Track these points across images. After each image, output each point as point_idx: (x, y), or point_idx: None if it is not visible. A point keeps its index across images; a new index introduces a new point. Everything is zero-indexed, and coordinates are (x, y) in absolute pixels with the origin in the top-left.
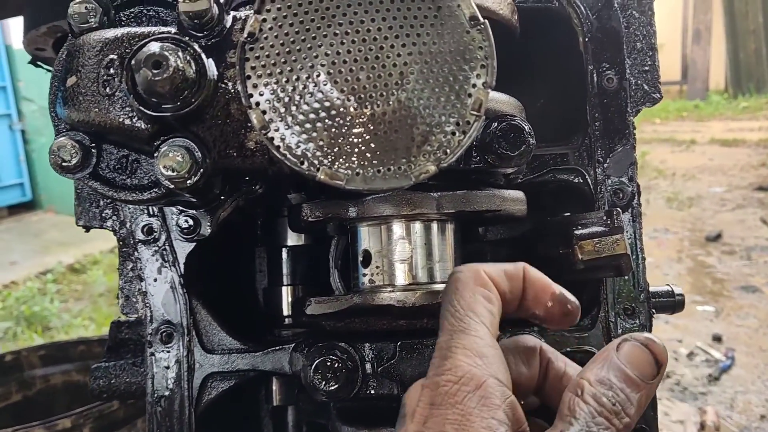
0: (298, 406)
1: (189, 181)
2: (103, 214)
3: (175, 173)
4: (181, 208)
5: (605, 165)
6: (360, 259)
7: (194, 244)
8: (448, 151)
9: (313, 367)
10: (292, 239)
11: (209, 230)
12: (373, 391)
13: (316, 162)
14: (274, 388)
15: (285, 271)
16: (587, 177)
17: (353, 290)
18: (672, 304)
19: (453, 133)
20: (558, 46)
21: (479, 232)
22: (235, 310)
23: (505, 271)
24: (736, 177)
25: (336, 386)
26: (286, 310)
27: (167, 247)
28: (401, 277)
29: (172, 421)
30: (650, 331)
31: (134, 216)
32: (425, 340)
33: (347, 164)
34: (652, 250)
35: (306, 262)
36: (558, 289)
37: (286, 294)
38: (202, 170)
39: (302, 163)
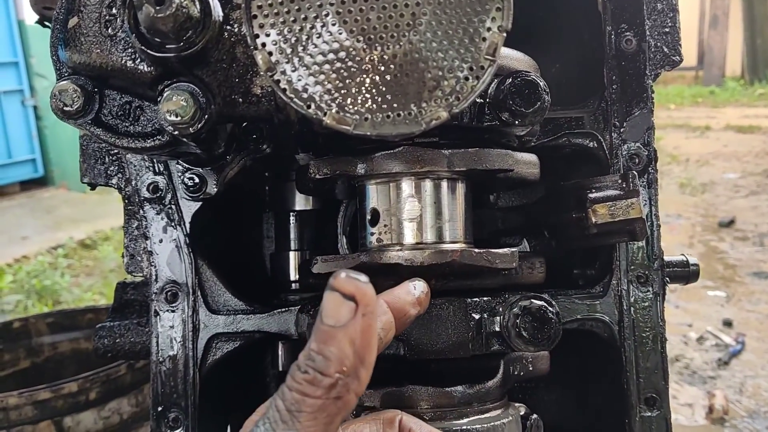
0: None
1: (193, 128)
2: (108, 171)
3: (178, 118)
4: (186, 165)
5: (622, 129)
6: (368, 217)
7: (200, 203)
8: (460, 96)
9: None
10: (300, 204)
11: (215, 189)
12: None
13: (323, 105)
14: (279, 352)
15: (292, 236)
16: (602, 141)
17: (361, 249)
18: (686, 274)
19: (466, 78)
20: (575, 6)
21: (490, 200)
22: (242, 275)
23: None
24: (751, 163)
25: None
26: (293, 275)
27: (173, 206)
28: (410, 236)
29: (177, 381)
30: (663, 304)
31: (140, 174)
32: (432, 300)
33: (355, 108)
34: (663, 235)
35: (313, 227)
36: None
37: (294, 259)
38: (206, 116)
39: (309, 106)
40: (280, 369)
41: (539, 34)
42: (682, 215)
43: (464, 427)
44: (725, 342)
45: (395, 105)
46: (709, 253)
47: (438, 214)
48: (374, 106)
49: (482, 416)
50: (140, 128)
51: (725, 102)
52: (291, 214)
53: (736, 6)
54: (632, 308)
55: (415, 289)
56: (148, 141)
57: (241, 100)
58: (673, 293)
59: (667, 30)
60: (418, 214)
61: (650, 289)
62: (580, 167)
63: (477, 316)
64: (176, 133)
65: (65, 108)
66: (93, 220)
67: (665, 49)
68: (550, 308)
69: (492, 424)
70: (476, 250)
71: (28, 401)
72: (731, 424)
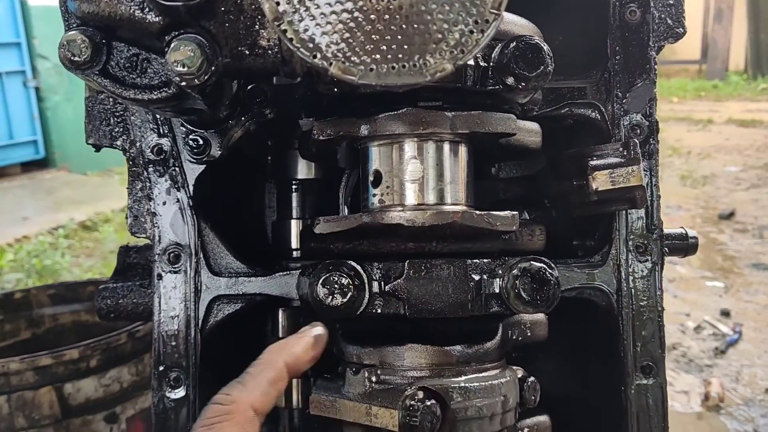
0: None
1: (199, 79)
2: (113, 133)
3: (185, 69)
4: (190, 127)
5: (624, 100)
6: (370, 179)
7: (204, 166)
8: (464, 49)
9: (319, 282)
10: (302, 173)
11: (219, 152)
12: (379, 310)
13: (329, 55)
14: (280, 319)
15: (294, 204)
16: (604, 112)
17: (363, 210)
18: (685, 246)
19: (471, 32)
20: None
21: (492, 172)
22: (244, 242)
23: (269, 382)
24: (752, 157)
25: (342, 302)
26: (294, 243)
27: (177, 168)
28: (411, 197)
29: (178, 342)
30: (661, 275)
31: (144, 135)
32: (433, 261)
33: (361, 59)
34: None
35: (315, 196)
36: None
37: (295, 227)
38: (213, 68)
39: (315, 56)
40: (280, 336)
41: (543, 4)
42: (683, 207)
43: (462, 385)
44: (722, 331)
45: (400, 56)
46: (709, 244)
47: (440, 176)
48: (379, 56)
49: (480, 375)
50: (147, 80)
51: (728, 96)
52: (293, 182)
53: (740, 0)
54: (631, 278)
55: (316, 342)
56: (155, 93)
57: (247, 52)
58: (671, 283)
59: (671, 2)
60: (420, 175)
61: (649, 258)
62: (582, 139)
63: (477, 278)
64: (183, 84)
65: (73, 58)
66: (94, 201)
67: (669, 21)
68: (549, 270)
69: (489, 383)
70: (477, 212)
71: (29, 367)
72: (727, 412)
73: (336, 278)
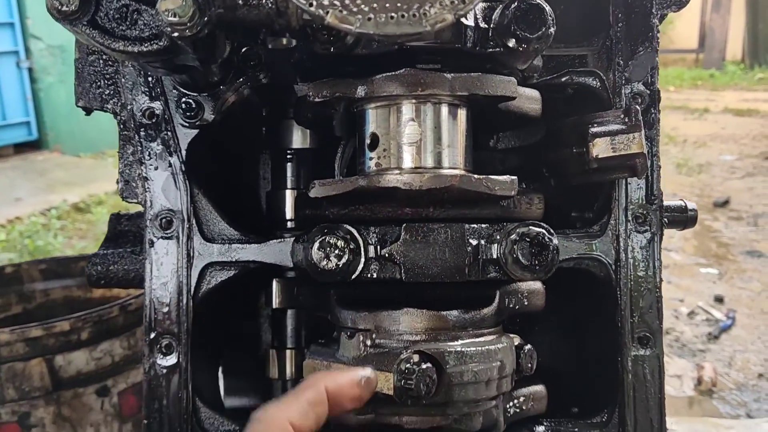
0: (299, 302)
1: (191, 30)
2: (104, 96)
3: (176, 18)
4: (183, 90)
5: (625, 68)
6: (367, 142)
7: (197, 131)
8: (466, 0)
9: (314, 245)
10: (297, 142)
11: (213, 116)
12: (375, 275)
13: (325, 3)
14: (274, 290)
15: (289, 174)
16: (605, 80)
17: (359, 173)
18: (684, 218)
19: None
20: None
21: (491, 144)
22: (238, 212)
23: (309, 402)
24: (748, 146)
25: (337, 265)
26: (288, 214)
27: (169, 133)
28: (408, 160)
29: (170, 308)
30: (660, 246)
31: (135, 98)
32: (430, 224)
33: (359, 7)
34: None
35: (310, 166)
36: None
37: (290, 197)
38: (205, 18)
39: (311, 4)
40: (275, 306)
41: None
42: (678, 195)
43: (458, 349)
44: (716, 317)
45: (399, 5)
46: (704, 231)
47: (438, 139)
48: (377, 5)
49: (476, 340)
50: (137, 32)
51: (725, 85)
52: (288, 152)
53: None
54: (629, 248)
55: (364, 383)
56: (145, 45)
57: (241, 2)
58: (666, 269)
59: None
60: (417, 138)
61: (648, 229)
62: (582, 109)
63: (474, 242)
64: (174, 35)
65: (61, 8)
66: (86, 183)
67: None
68: (548, 235)
69: (486, 348)
70: (476, 176)
71: (20, 338)
72: (719, 396)
73: (331, 241)
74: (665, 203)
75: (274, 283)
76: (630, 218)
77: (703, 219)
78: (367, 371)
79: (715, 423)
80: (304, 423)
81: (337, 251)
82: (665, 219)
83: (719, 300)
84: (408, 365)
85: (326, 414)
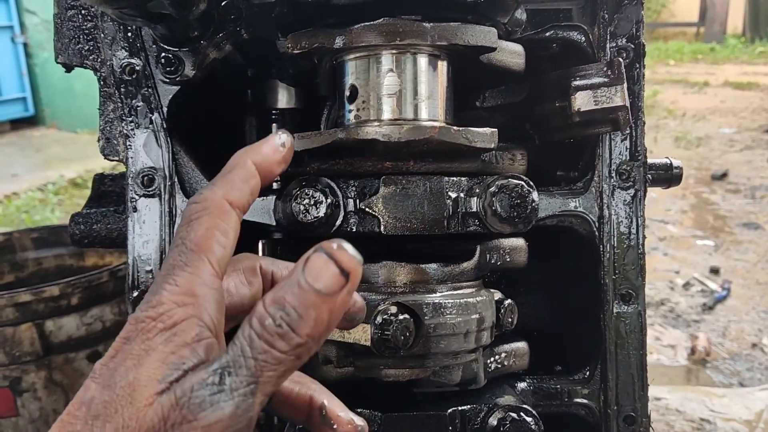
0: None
1: None
2: (83, 51)
3: None
4: (163, 45)
5: (611, 22)
6: (346, 94)
7: (178, 87)
8: None
9: (293, 198)
10: (282, 102)
11: (193, 72)
12: (354, 228)
13: None
14: (260, 251)
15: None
16: (590, 35)
17: (339, 126)
18: (668, 177)
19: None
20: None
21: (476, 104)
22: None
23: (240, 179)
24: (747, 119)
25: (316, 217)
26: None
27: (149, 89)
28: (388, 112)
29: (153, 267)
30: (643, 203)
31: (115, 54)
32: (409, 177)
33: None
34: (654, 188)
35: (296, 127)
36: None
37: None
38: None
39: None
40: None
41: None
42: None
43: (436, 301)
44: (711, 288)
45: None
46: (701, 204)
47: (417, 91)
48: None
49: (455, 292)
50: None
51: (725, 59)
52: (273, 112)
53: None
54: (613, 205)
55: (282, 145)
56: None
57: None
58: (662, 241)
59: None
60: (397, 89)
61: (632, 185)
62: (566, 66)
63: (454, 195)
64: None
65: None
66: (83, 159)
67: None
68: (527, 187)
69: (465, 300)
70: (455, 128)
71: (9, 303)
72: (713, 365)
73: (310, 193)
74: (650, 161)
75: (260, 245)
76: (614, 175)
77: (700, 192)
78: (283, 135)
79: (707, 392)
80: (241, 198)
81: (316, 204)
82: (650, 176)
83: (715, 271)
84: (385, 316)
85: (259, 185)
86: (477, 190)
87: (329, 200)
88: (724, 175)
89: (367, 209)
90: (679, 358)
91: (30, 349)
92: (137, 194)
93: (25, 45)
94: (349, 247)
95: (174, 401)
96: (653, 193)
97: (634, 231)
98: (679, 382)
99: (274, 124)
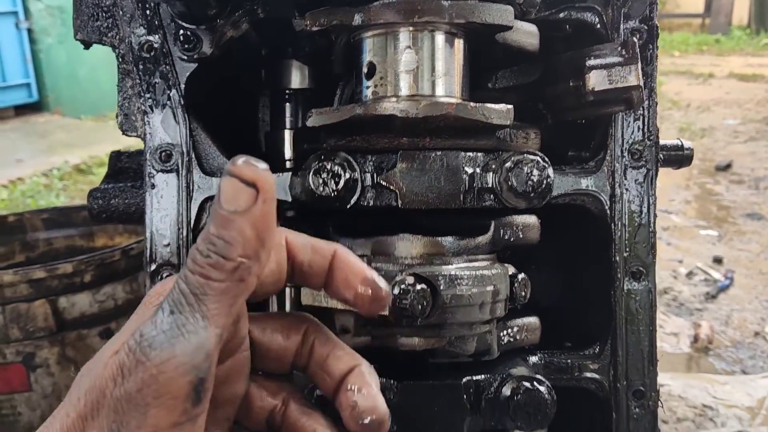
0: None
1: None
2: (102, 29)
3: None
4: (181, 22)
5: (624, 4)
6: (364, 71)
7: (196, 64)
8: None
9: (311, 172)
10: (296, 82)
11: (211, 50)
12: (371, 202)
13: None
14: None
15: (288, 114)
16: (604, 17)
17: (356, 102)
18: (680, 157)
19: None
20: None
21: (489, 86)
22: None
23: (312, 245)
24: (752, 111)
25: (334, 190)
26: (287, 154)
27: (167, 66)
28: (405, 88)
29: (170, 241)
30: (655, 182)
31: (134, 31)
32: (426, 152)
33: None
34: (659, 177)
35: (309, 107)
36: (370, 274)
37: (288, 137)
38: None
39: None
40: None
41: None
42: None
43: (452, 272)
44: (714, 277)
45: None
46: (704, 194)
47: (434, 68)
48: None
49: (470, 264)
50: None
51: (730, 50)
52: (287, 92)
53: None
54: (625, 184)
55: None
56: None
57: None
58: (665, 231)
59: None
60: (414, 66)
61: (644, 165)
62: (580, 48)
63: (470, 170)
64: None
65: None
66: (88, 145)
67: None
68: (543, 162)
69: (480, 272)
70: (472, 104)
71: (23, 279)
72: (715, 353)
73: (328, 167)
74: (662, 142)
75: None
76: (626, 154)
77: (704, 182)
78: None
79: (710, 379)
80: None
81: (334, 177)
82: (661, 156)
83: (718, 261)
84: (403, 286)
85: (323, 272)
86: (493, 166)
87: (347, 174)
88: (728, 166)
89: (384, 183)
90: (682, 345)
91: (44, 325)
92: (155, 169)
93: (30, 31)
94: (249, 158)
95: (128, 349)
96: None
97: (645, 209)
98: (682, 370)
99: (287, 104)
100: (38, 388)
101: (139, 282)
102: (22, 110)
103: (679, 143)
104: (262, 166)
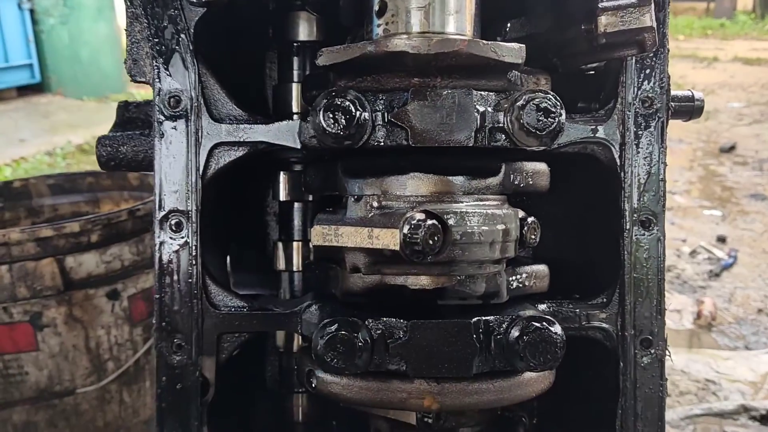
0: (307, 183)
1: None
2: None
3: None
4: None
5: None
6: (375, 9)
7: (204, 9)
8: None
9: (322, 108)
10: (304, 34)
11: None
12: (382, 141)
13: None
14: (281, 182)
15: (295, 67)
16: None
17: (366, 41)
18: (690, 108)
19: None
20: None
21: (500, 35)
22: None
23: None
24: (756, 93)
25: (346, 127)
26: (295, 107)
27: (176, 11)
28: (416, 25)
29: (179, 187)
30: (665, 131)
31: None
32: (438, 90)
33: None
34: None
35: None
36: None
37: (296, 91)
38: None
39: None
40: (282, 199)
41: None
42: (684, 140)
43: (463, 210)
44: (717, 256)
45: None
46: (708, 176)
47: (446, 5)
48: None
49: (480, 203)
50: None
51: (735, 35)
52: (294, 44)
53: None
54: (635, 131)
55: None
56: None
57: None
58: (669, 211)
59: None
60: (426, 2)
61: (655, 112)
62: None
63: (482, 109)
64: None
65: None
66: (90, 126)
67: None
68: (555, 100)
69: (490, 211)
70: (483, 42)
71: (30, 238)
72: (718, 330)
73: (339, 103)
74: (673, 93)
75: (281, 176)
76: (637, 102)
77: (708, 164)
78: None
79: (713, 354)
80: None
81: (345, 113)
82: (672, 106)
83: (722, 240)
84: (414, 222)
85: None
86: (505, 105)
87: (358, 111)
88: (732, 148)
89: (395, 121)
90: (685, 322)
91: (51, 284)
92: (164, 115)
93: (32, 11)
94: None
95: None
96: None
97: (656, 158)
98: (684, 345)
99: (295, 57)
100: (45, 348)
101: (145, 244)
102: (24, 91)
103: (690, 94)
104: None
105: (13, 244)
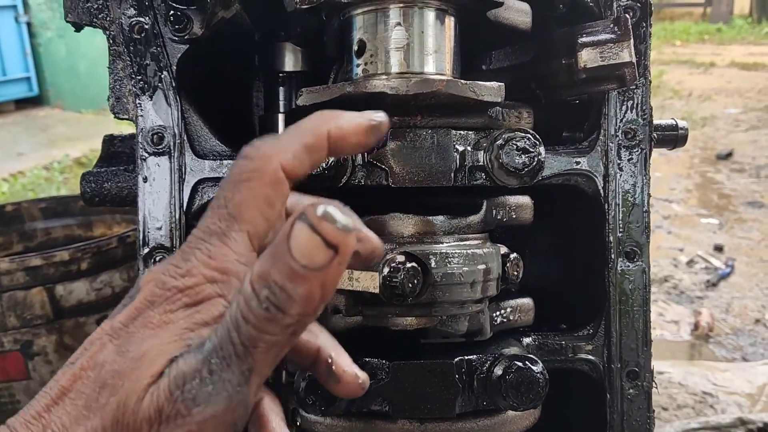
0: None
1: None
2: (92, 10)
3: None
4: (171, 3)
5: None
6: (354, 49)
7: (187, 46)
8: None
9: None
10: (290, 65)
11: (201, 30)
12: (362, 181)
13: None
14: None
15: (281, 97)
16: None
17: (346, 81)
18: (674, 137)
19: None
20: None
21: (482, 68)
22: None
23: (306, 147)
24: (753, 99)
25: (325, 170)
26: None
27: (158, 48)
28: (395, 65)
29: (163, 224)
30: (649, 162)
31: (124, 12)
32: (417, 130)
33: None
34: (660, 166)
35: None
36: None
37: (282, 121)
38: None
39: None
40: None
41: None
42: (681, 148)
43: (443, 250)
44: (715, 265)
45: None
46: (705, 183)
47: (425, 44)
48: None
49: (461, 243)
50: None
51: (731, 40)
52: (280, 75)
53: None
54: (618, 163)
55: (372, 126)
56: None
57: None
58: (666, 220)
59: None
60: (404, 42)
61: (637, 144)
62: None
63: (461, 148)
64: None
65: None
66: (88, 139)
67: None
68: (534, 140)
69: (471, 251)
70: (462, 81)
71: (20, 267)
72: (716, 341)
73: None
74: (656, 122)
75: None
76: (619, 133)
77: (705, 171)
78: (379, 115)
79: (710, 366)
80: (298, 168)
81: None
82: (655, 136)
83: (719, 249)
84: (393, 264)
85: (323, 159)
86: (484, 144)
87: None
88: (729, 155)
89: (375, 162)
90: (683, 333)
91: (41, 313)
92: (147, 152)
93: (29, 24)
94: (336, 214)
95: (168, 393)
96: (657, 172)
97: (639, 189)
98: (682, 357)
99: (280, 88)
100: (36, 376)
101: (136, 270)
102: (22, 104)
103: (674, 123)
104: (348, 225)
105: (3, 273)
